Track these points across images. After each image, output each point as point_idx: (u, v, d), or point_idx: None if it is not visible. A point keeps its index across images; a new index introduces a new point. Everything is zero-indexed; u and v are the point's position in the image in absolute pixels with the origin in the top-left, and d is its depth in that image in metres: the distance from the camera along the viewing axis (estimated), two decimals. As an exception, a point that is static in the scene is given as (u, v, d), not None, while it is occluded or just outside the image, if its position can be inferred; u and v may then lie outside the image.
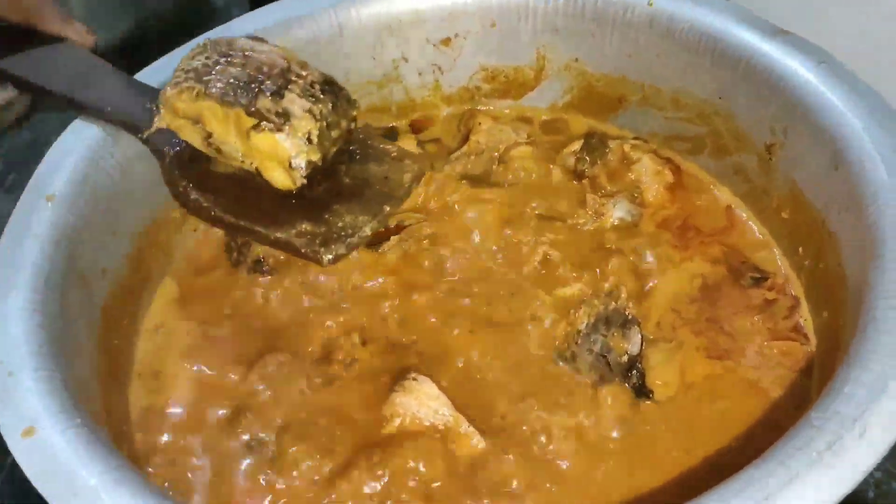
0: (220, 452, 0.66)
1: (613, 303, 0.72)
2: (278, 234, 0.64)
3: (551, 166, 0.85)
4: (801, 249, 0.74)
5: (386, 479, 0.63)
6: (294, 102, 0.62)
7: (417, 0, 0.84)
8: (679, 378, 0.70)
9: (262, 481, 0.64)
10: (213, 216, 0.66)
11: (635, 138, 0.87)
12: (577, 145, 0.86)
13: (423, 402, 0.67)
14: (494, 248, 0.78)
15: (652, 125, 0.87)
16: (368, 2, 0.83)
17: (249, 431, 0.66)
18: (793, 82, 0.71)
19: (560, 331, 0.72)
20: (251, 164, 0.62)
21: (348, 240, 0.65)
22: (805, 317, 0.72)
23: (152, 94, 0.70)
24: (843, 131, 0.66)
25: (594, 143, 0.85)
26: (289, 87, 0.63)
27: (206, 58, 0.65)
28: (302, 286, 0.76)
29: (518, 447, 0.65)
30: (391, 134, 0.87)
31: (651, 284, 0.76)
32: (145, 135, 0.68)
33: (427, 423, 0.66)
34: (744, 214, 0.81)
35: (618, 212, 0.80)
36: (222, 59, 0.63)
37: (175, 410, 0.69)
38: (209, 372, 0.71)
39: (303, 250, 0.64)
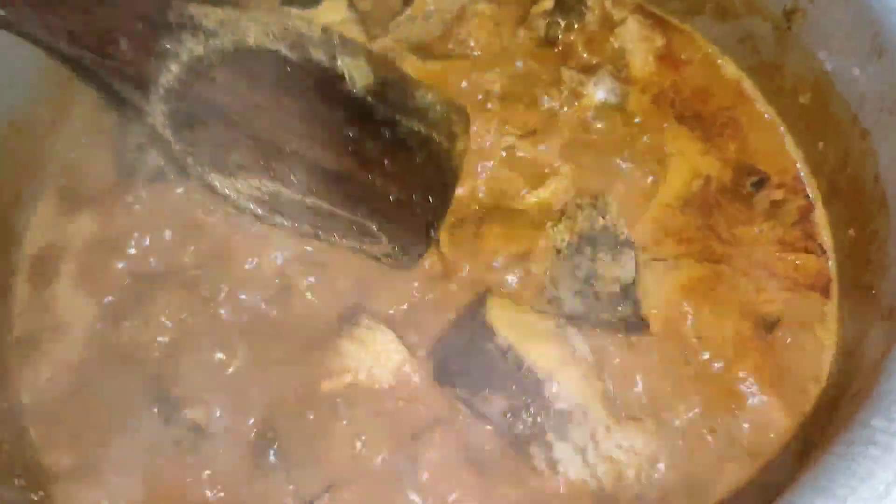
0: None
1: (601, 218, 0.60)
2: (352, 244, 0.59)
3: (517, 31, 0.69)
4: (821, 144, 0.62)
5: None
6: None
7: None
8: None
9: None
10: None
11: (617, -11, 0.71)
12: (548, 4, 0.69)
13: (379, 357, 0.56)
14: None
15: (637, -28, 0.70)
16: None
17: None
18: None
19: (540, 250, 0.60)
20: None
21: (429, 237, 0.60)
22: (821, 224, 0.62)
23: None
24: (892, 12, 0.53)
25: (570, 1, 0.69)
26: None
27: None
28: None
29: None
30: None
31: (644, 185, 0.63)
32: None
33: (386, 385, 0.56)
34: (750, 93, 0.67)
35: (599, 92, 0.66)
36: None
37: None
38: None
39: (383, 261, 0.60)
